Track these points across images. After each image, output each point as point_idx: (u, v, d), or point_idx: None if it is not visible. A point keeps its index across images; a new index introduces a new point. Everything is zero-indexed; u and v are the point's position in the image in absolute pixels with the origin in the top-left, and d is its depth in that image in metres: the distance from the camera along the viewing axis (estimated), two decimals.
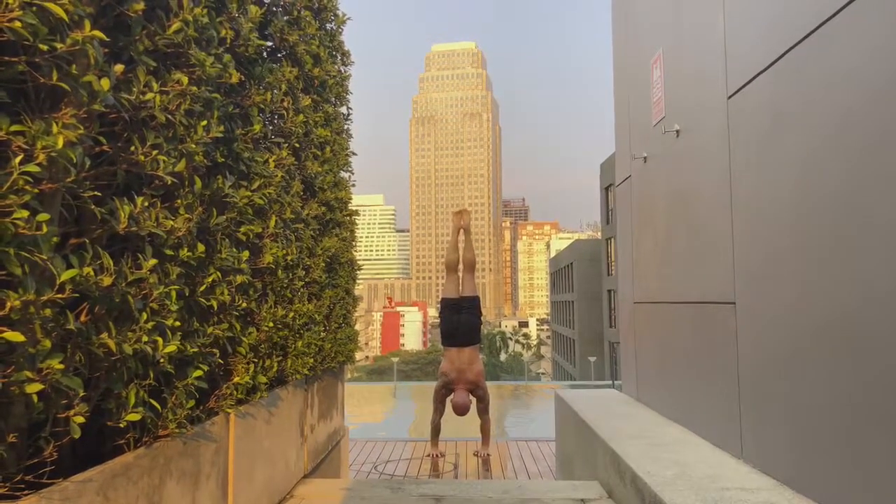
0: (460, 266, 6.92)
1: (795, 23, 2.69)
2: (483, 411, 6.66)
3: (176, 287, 2.06)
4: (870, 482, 2.20)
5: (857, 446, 2.27)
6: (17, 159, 1.39)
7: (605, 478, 3.83)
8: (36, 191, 1.43)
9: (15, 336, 1.37)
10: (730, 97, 3.36)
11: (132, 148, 1.88)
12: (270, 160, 3.03)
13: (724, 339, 3.44)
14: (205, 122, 2.21)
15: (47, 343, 1.49)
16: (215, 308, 2.43)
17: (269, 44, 3.31)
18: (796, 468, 2.71)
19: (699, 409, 3.86)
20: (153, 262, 1.90)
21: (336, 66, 4.56)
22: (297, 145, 3.61)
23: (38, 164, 1.43)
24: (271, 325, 3.11)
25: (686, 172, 4.11)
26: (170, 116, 2.00)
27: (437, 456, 6.67)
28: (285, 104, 3.34)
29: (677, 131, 4.19)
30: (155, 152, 1.94)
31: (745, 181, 3.20)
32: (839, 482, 2.38)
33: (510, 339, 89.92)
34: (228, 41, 2.47)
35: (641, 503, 2.97)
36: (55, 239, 1.52)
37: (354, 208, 5.14)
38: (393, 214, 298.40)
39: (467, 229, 7.12)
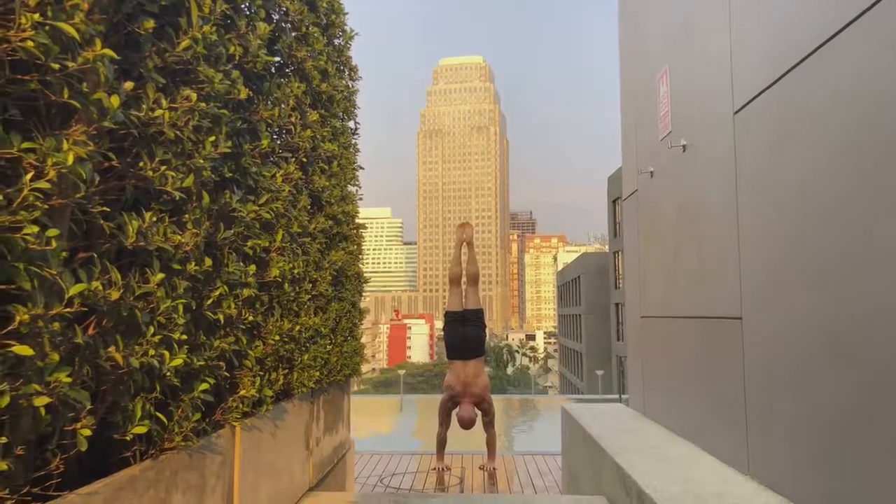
0: (464, 279, 6.93)
1: (800, 40, 2.70)
2: (489, 425, 6.63)
3: (183, 301, 2.08)
4: (876, 499, 2.18)
5: (863, 463, 2.26)
6: (28, 176, 1.42)
7: (612, 493, 3.81)
8: (46, 207, 1.45)
9: (23, 350, 1.39)
10: (736, 112, 3.37)
11: (141, 164, 1.90)
12: (278, 175, 3.06)
13: (730, 355, 3.43)
14: (213, 138, 2.24)
15: (55, 356, 1.50)
16: (222, 321, 2.45)
17: (278, 59, 3.35)
18: (803, 484, 2.69)
19: (706, 425, 3.84)
20: (161, 276, 1.92)
21: (344, 81, 4.59)
22: (304, 160, 3.64)
23: (49, 181, 1.45)
24: (277, 338, 3.12)
25: (693, 187, 4.11)
26: (178, 132, 2.03)
27: (442, 469, 6.63)
28: (293, 119, 3.37)
29: (684, 146, 4.19)
30: (163, 168, 1.96)
31: (752, 196, 3.21)
32: (846, 499, 2.36)
33: (517, 352, 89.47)
34: (237, 57, 2.51)
35: None
36: (64, 254, 1.54)
37: (362, 221, 5.17)
38: (400, 227, 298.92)
39: (470, 242, 7.12)
